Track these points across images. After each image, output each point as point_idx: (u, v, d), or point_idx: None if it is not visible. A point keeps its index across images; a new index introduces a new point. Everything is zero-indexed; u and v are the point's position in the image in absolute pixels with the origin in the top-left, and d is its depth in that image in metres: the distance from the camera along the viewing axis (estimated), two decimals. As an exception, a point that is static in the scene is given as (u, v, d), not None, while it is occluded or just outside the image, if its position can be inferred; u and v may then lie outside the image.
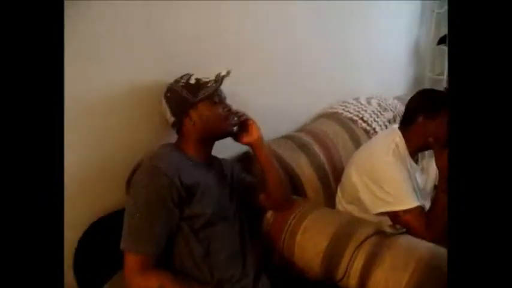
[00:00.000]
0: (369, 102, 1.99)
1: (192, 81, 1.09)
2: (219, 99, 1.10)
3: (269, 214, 1.29)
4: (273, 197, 1.22)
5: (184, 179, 0.98)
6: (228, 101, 1.15)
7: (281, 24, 1.64)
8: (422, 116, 1.28)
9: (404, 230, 1.15)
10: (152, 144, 1.14)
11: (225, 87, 1.14)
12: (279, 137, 1.57)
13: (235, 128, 1.13)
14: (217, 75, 1.08)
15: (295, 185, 1.42)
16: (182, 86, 1.09)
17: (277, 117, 1.67)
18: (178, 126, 1.11)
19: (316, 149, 1.54)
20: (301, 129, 1.68)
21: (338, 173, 1.55)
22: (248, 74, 1.52)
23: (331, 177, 1.55)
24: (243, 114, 1.17)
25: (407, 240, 1.09)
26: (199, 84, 1.08)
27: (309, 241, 1.17)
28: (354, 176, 1.34)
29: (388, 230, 1.11)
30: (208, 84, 1.08)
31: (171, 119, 1.11)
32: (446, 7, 2.74)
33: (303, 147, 1.51)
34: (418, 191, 1.36)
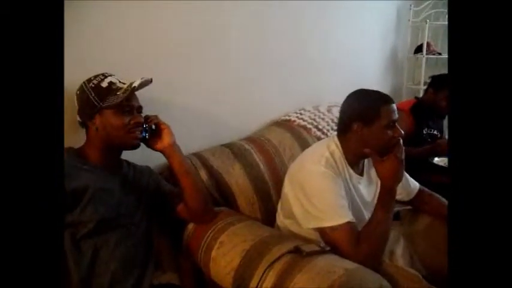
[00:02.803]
0: (329, 110, 1.90)
1: (104, 84, 1.03)
2: (129, 109, 1.04)
3: (190, 226, 1.20)
4: (189, 207, 1.13)
5: (69, 183, 0.92)
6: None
7: (236, 25, 1.57)
8: (357, 123, 1.16)
9: (327, 248, 1.04)
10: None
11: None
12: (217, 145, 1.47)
13: (138, 142, 1.06)
14: (129, 85, 1.02)
15: (225, 196, 1.32)
16: (92, 87, 1.03)
17: (226, 126, 1.60)
18: (83, 127, 1.06)
19: (257, 158, 1.44)
20: (246, 138, 1.58)
21: (281, 184, 1.44)
22: (197, 81, 1.47)
23: (273, 189, 1.44)
24: (153, 119, 1.10)
25: (324, 260, 0.97)
26: (111, 90, 1.02)
27: (223, 257, 1.06)
28: (287, 188, 1.24)
29: (307, 248, 1.00)
30: (118, 92, 1.01)
31: (78, 119, 1.06)
32: (421, 17, 2.66)
33: (241, 156, 1.41)
34: (360, 203, 1.25)
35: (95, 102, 1.01)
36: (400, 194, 1.36)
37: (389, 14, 2.61)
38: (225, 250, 1.06)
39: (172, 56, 1.38)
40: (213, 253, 1.08)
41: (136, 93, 1.07)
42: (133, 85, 1.00)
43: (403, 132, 1.17)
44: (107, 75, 1.06)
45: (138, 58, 1.27)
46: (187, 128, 1.28)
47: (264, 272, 0.96)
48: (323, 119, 1.81)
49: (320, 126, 1.76)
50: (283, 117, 1.78)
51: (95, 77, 1.05)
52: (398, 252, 1.25)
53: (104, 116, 1.01)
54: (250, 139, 1.55)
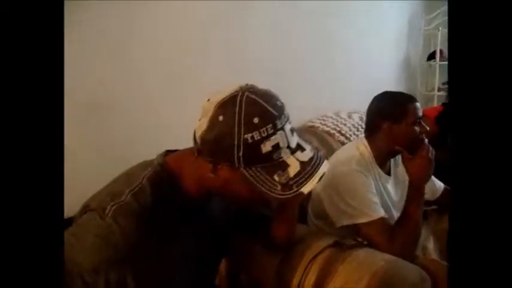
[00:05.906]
0: (349, 116, 1.96)
1: (266, 147, 0.69)
2: None
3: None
4: (278, 238, 1.01)
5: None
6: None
7: (259, 32, 1.66)
8: (386, 122, 1.22)
9: (365, 242, 1.09)
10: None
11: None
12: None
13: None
14: (296, 175, 0.70)
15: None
16: (246, 142, 0.69)
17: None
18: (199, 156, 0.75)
19: (286, 161, 1.50)
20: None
21: (310, 187, 1.49)
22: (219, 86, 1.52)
23: (303, 191, 1.49)
24: None
25: (364, 253, 1.02)
26: (268, 159, 0.70)
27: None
28: (319, 188, 1.29)
29: (347, 242, 1.05)
30: (276, 176, 0.70)
31: (197, 145, 0.74)
32: (434, 24, 2.74)
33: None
34: (389, 202, 1.30)
35: (236, 160, 0.70)
36: (426, 193, 1.41)
37: (402, 23, 2.69)
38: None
39: (191, 60, 1.44)
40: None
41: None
42: (301, 189, 0.70)
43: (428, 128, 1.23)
44: (278, 127, 0.70)
45: (150, 59, 1.30)
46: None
47: (307, 265, 1.01)
48: (345, 124, 1.88)
49: (343, 132, 1.83)
50: (307, 124, 1.85)
51: (261, 121, 0.68)
52: (430, 247, 1.30)
53: (234, 174, 0.71)
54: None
